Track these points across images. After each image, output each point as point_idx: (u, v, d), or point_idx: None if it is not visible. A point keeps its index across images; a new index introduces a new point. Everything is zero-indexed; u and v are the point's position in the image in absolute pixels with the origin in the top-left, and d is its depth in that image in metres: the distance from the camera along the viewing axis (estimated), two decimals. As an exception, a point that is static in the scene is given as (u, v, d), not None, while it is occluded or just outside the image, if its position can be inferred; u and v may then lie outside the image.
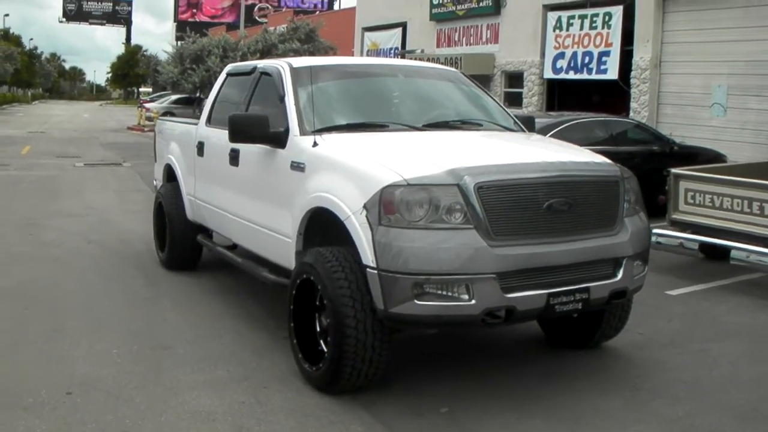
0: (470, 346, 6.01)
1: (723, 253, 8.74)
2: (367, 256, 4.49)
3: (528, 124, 6.52)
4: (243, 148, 6.09)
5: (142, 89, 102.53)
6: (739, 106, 15.90)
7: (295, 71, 5.96)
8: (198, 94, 36.52)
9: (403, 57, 26.10)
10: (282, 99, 5.77)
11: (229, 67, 7.41)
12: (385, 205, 4.44)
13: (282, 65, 6.10)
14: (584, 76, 19.25)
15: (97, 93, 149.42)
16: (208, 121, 7.21)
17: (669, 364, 5.70)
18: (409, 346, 5.74)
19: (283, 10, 62.18)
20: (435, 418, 4.64)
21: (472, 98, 6.51)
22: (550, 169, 4.85)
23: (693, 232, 8.35)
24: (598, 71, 19.07)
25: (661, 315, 6.90)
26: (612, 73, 18.78)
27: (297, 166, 5.31)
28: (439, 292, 4.40)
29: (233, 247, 7.13)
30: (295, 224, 5.29)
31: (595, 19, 19.28)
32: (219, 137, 6.77)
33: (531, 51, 22.01)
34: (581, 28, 19.69)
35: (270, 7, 69.84)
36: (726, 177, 7.99)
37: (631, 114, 17.81)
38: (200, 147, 7.18)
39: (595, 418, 4.71)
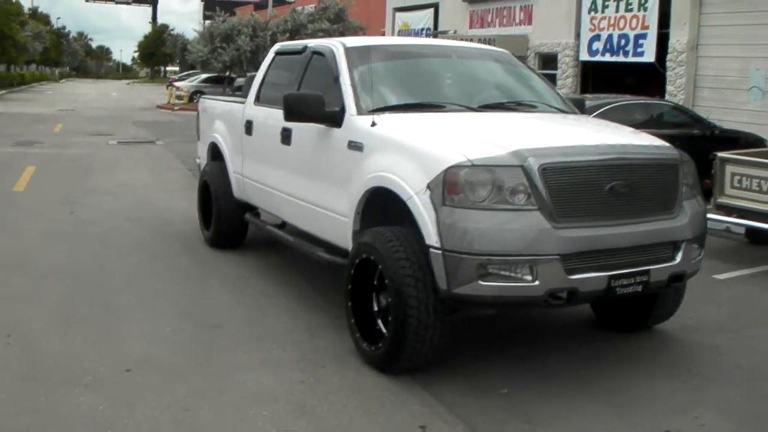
0: (524, 328, 6.00)
1: (770, 237, 8.69)
2: (431, 236, 4.49)
3: (579, 106, 6.49)
4: (296, 127, 6.10)
5: (169, 68, 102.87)
6: (778, 90, 15.69)
7: (349, 51, 5.95)
8: (228, 73, 36.59)
9: (435, 38, 25.96)
10: (337, 79, 5.76)
11: (277, 46, 7.41)
12: (449, 186, 4.44)
13: (335, 45, 6.09)
14: (621, 58, 19.08)
15: (123, 72, 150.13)
16: (257, 99, 7.22)
17: (721, 348, 5.67)
18: (466, 326, 5.75)
19: (311, -11, 61.86)
20: (495, 399, 4.65)
21: (524, 79, 6.47)
22: (612, 151, 4.83)
23: (738, 216, 8.27)
24: (635, 54, 18.89)
25: (710, 300, 6.85)
26: (649, 56, 18.59)
27: (355, 146, 5.31)
28: (503, 272, 4.40)
29: (282, 225, 7.17)
30: (352, 203, 5.30)
31: (630, 1, 19.06)
32: (269, 116, 6.78)
33: (565, 33, 21.83)
34: (617, 11, 19.49)
35: (298, -14, 69.63)
36: (753, 159, 7.91)
37: (667, 97, 17.63)
38: (248, 126, 7.19)
39: (652, 402, 4.70)
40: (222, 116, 8.11)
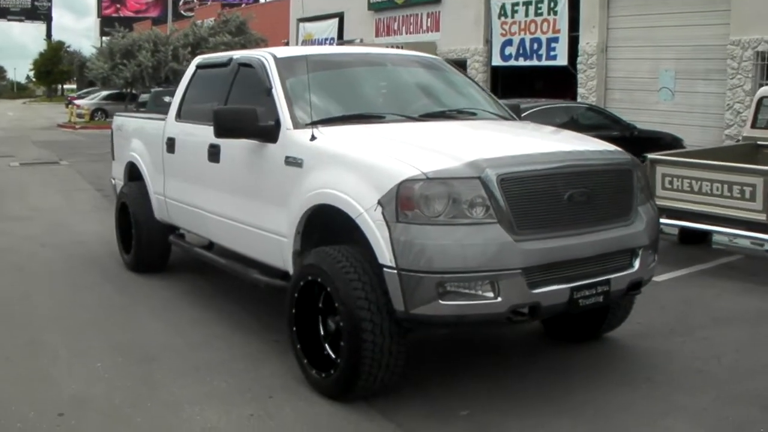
0: (473, 345, 5.76)
1: (701, 237, 8.75)
2: (384, 255, 4.21)
3: (516, 111, 6.32)
4: (225, 143, 5.73)
5: (66, 86, 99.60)
6: (687, 89, 16.08)
7: (280, 62, 5.62)
8: (129, 89, 35.57)
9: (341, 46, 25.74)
10: (269, 91, 5.42)
11: (198, 59, 7.00)
12: (403, 201, 4.16)
13: (265, 55, 5.75)
14: (534, 62, 19.26)
15: (18, 91, 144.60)
16: (178, 116, 6.80)
17: (675, 353, 5.58)
18: (416, 347, 5.49)
19: (209, 3, 61.04)
20: (457, 421, 4.40)
21: (460, 86, 6.27)
22: (568, 158, 4.66)
23: (670, 217, 8.28)
24: (548, 57, 19.09)
25: (653, 303, 6.75)
26: (562, 59, 18.83)
27: (293, 162, 4.98)
28: (464, 290, 4.15)
29: (209, 246, 6.77)
30: (292, 222, 4.97)
31: (540, 5, 19.28)
32: (193, 132, 6.40)
33: (474, 38, 21.93)
34: (527, 15, 19.68)
35: (195, 1, 68.44)
36: (705, 161, 7.93)
37: (579, 99, 17.86)
38: (170, 143, 6.76)
39: (621, 413, 4.53)
40: (140, 134, 7.64)
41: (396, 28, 25.27)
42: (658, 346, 5.72)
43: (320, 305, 4.74)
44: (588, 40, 18.10)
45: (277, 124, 5.21)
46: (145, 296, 6.89)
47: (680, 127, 15.30)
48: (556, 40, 18.99)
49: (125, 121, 8.26)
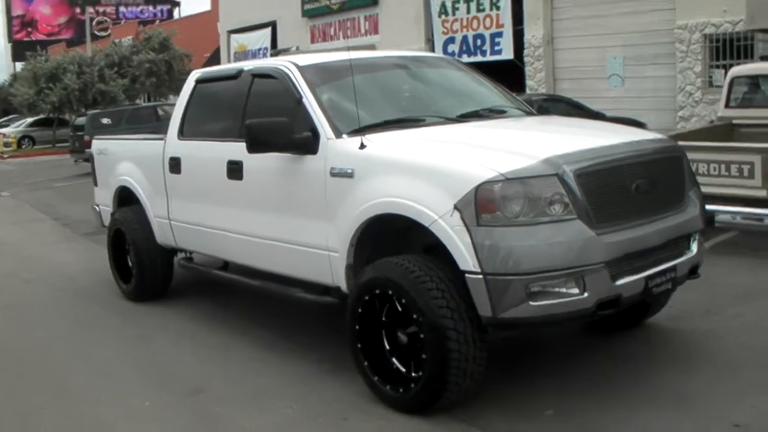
0: (519, 346, 5.65)
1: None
2: (467, 261, 4.06)
3: (531, 106, 6.29)
4: (248, 159, 5.49)
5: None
6: (637, 75, 16.31)
7: (304, 70, 5.41)
8: (56, 115, 34.50)
9: (278, 56, 25.31)
10: (299, 101, 5.19)
11: (197, 74, 6.69)
12: (482, 204, 4.03)
13: (286, 65, 5.52)
14: (479, 58, 19.26)
15: None
16: (181, 134, 6.50)
17: (719, 332, 5.60)
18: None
19: (122, 23, 59.78)
20: (546, 421, 4.31)
21: (479, 84, 6.17)
22: (629, 149, 4.62)
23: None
24: (493, 52, 19.16)
25: (677, 284, 6.79)
26: (507, 53, 18.91)
27: (341, 173, 4.77)
28: (552, 289, 4.05)
29: (224, 267, 6.51)
30: (345, 236, 4.77)
31: (481, 2, 19.35)
32: (204, 150, 6.14)
33: (415, 38, 21.84)
34: (468, 12, 19.73)
35: (108, 20, 66.89)
36: (705, 143, 8.03)
37: (528, 91, 17.97)
38: (175, 163, 6.46)
39: (701, 397, 4.51)
40: (132, 156, 7.30)
41: (333, 33, 25.03)
42: (700, 326, 5.74)
43: (384, 319, 4.57)
44: (533, 33, 18.25)
45: (315, 135, 5.00)
46: (158, 326, 6.55)
47: (633, 112, 15.47)
48: (500, 34, 19.09)
49: (109, 145, 7.89)
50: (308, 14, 25.70)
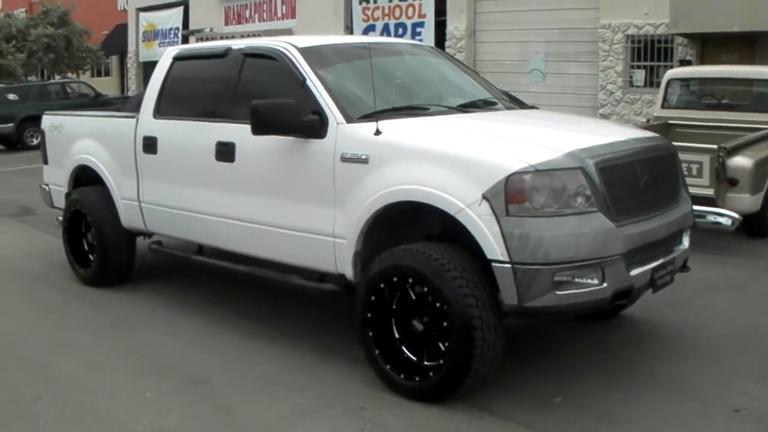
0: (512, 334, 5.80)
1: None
2: (494, 250, 4.13)
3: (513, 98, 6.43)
4: (242, 140, 5.40)
5: None
6: (558, 71, 16.79)
7: (305, 52, 5.35)
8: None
9: (186, 39, 24.76)
10: (303, 84, 5.13)
11: (175, 51, 6.48)
12: (512, 195, 4.11)
13: (285, 47, 5.44)
14: (402, 47, 19.37)
15: None
16: (157, 112, 6.30)
17: (692, 323, 5.88)
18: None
19: (14, -7, 56.78)
20: (557, 408, 4.45)
21: (467, 74, 6.29)
22: (638, 145, 4.83)
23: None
24: (416, 43, 19.30)
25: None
26: (428, 43, 19.05)
27: (354, 158, 4.75)
28: (576, 279, 4.18)
29: (199, 252, 6.36)
30: (356, 222, 4.75)
31: (405, -9, 19.49)
32: (188, 130, 5.97)
33: (333, 25, 21.75)
34: (390, 1, 19.80)
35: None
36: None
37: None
38: (150, 143, 6.24)
39: (694, 381, 4.78)
40: (94, 134, 7.01)
41: (248, 15, 24.64)
42: (671, 318, 5.99)
43: (394, 307, 4.60)
44: (456, 25, 18.49)
45: (324, 118, 4.95)
46: (129, 312, 6.34)
47: (554, 108, 15.95)
48: (421, 24, 19.25)
49: (65, 120, 7.55)
50: (223, -6, 25.24)
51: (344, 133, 4.86)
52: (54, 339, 5.75)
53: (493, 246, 4.14)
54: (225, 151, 5.55)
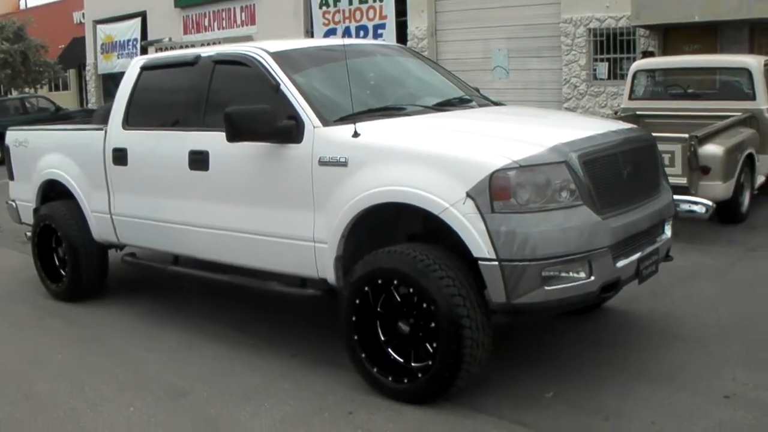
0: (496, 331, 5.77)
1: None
2: (481, 248, 4.09)
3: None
4: (215, 149, 5.31)
5: None
6: (521, 67, 16.86)
7: (277, 56, 5.27)
8: None
9: (145, 49, 24.48)
10: (277, 89, 5.05)
11: (142, 60, 6.36)
12: (496, 192, 4.07)
13: (258, 52, 5.35)
14: (364, 50, 19.33)
15: None
16: (126, 123, 6.18)
17: (677, 312, 5.92)
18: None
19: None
20: (549, 403, 4.42)
21: (441, 73, 6.28)
22: (618, 138, 4.82)
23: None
24: (378, 44, 19.27)
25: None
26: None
27: (332, 161, 4.68)
28: (564, 274, 4.15)
29: (174, 262, 6.25)
30: (337, 226, 4.68)
31: (365, -8, 19.45)
32: (158, 140, 5.87)
33: (294, 30, 21.65)
34: (351, 3, 19.73)
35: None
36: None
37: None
38: (119, 155, 6.12)
39: (683, 371, 4.78)
40: (62, 148, 6.86)
41: (207, 24, 24.40)
42: (655, 308, 6.01)
43: (378, 309, 4.55)
44: (417, 25, 18.49)
45: (300, 122, 4.88)
46: (105, 327, 6.20)
47: (518, 104, 16.05)
48: (383, 26, 19.21)
49: (29, 135, 7.38)
50: (181, 4, 24.99)
51: (321, 136, 4.79)
52: (30, 357, 5.60)
53: (479, 244, 4.10)
54: (199, 160, 5.46)
